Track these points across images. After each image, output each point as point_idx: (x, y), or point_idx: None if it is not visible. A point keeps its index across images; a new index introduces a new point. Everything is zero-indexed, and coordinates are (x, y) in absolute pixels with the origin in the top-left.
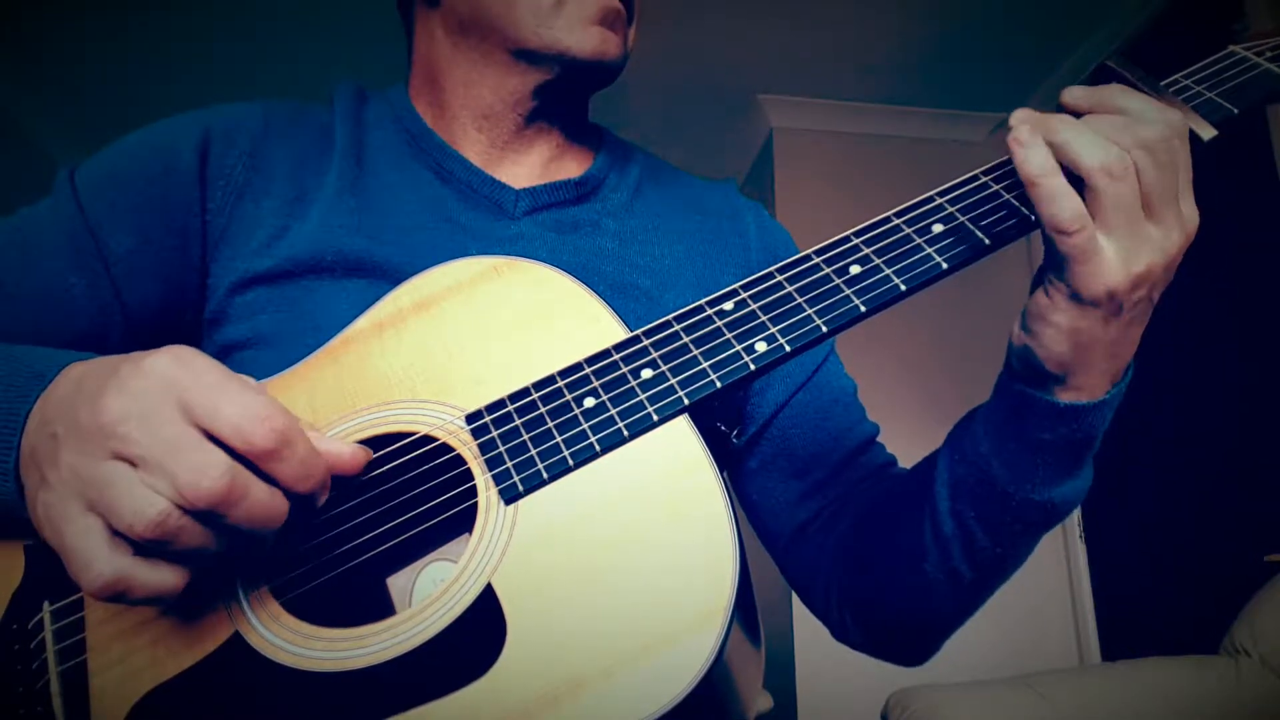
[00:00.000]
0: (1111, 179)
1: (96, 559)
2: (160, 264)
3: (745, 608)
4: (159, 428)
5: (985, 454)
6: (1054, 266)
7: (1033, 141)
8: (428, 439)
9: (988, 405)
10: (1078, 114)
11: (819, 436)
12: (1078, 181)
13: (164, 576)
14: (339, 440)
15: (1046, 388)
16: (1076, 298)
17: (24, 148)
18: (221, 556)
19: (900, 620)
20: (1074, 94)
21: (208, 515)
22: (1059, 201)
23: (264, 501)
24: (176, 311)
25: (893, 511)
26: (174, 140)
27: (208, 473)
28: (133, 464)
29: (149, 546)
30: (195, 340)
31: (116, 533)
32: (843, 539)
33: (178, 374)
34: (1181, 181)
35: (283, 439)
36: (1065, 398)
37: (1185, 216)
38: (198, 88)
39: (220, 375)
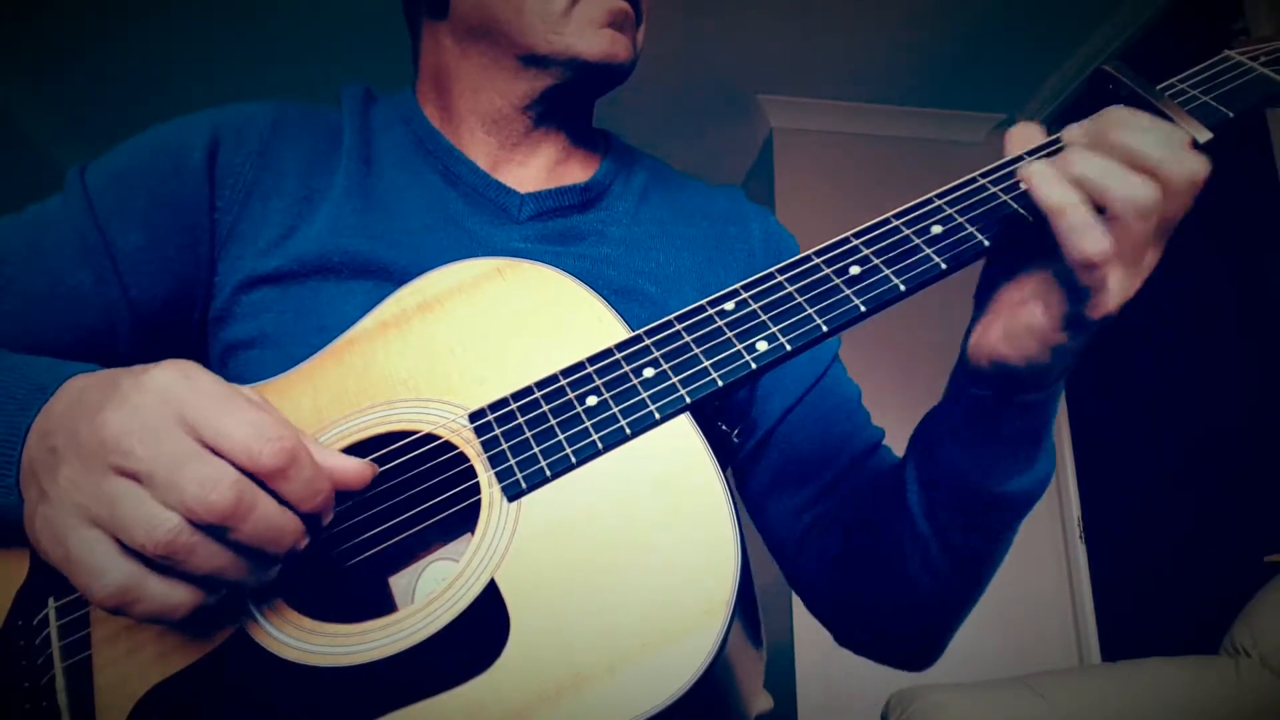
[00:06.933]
0: (1142, 220)
1: (107, 567)
2: (168, 262)
3: (746, 605)
4: (162, 442)
5: (948, 455)
6: (1068, 292)
7: (1048, 172)
8: (431, 437)
9: (944, 409)
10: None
11: (822, 444)
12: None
13: (175, 592)
14: (345, 456)
15: (1012, 389)
16: (1077, 322)
17: (24, 148)
18: (232, 584)
19: (893, 624)
20: (1074, 133)
21: (218, 532)
22: (1089, 235)
23: (273, 517)
24: (184, 309)
25: (874, 517)
26: (184, 139)
27: (216, 486)
28: (136, 479)
29: (161, 565)
30: (201, 339)
31: (126, 548)
32: (836, 545)
33: (180, 389)
34: None
35: (290, 457)
36: (1027, 396)
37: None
38: (198, 89)
39: (225, 391)
